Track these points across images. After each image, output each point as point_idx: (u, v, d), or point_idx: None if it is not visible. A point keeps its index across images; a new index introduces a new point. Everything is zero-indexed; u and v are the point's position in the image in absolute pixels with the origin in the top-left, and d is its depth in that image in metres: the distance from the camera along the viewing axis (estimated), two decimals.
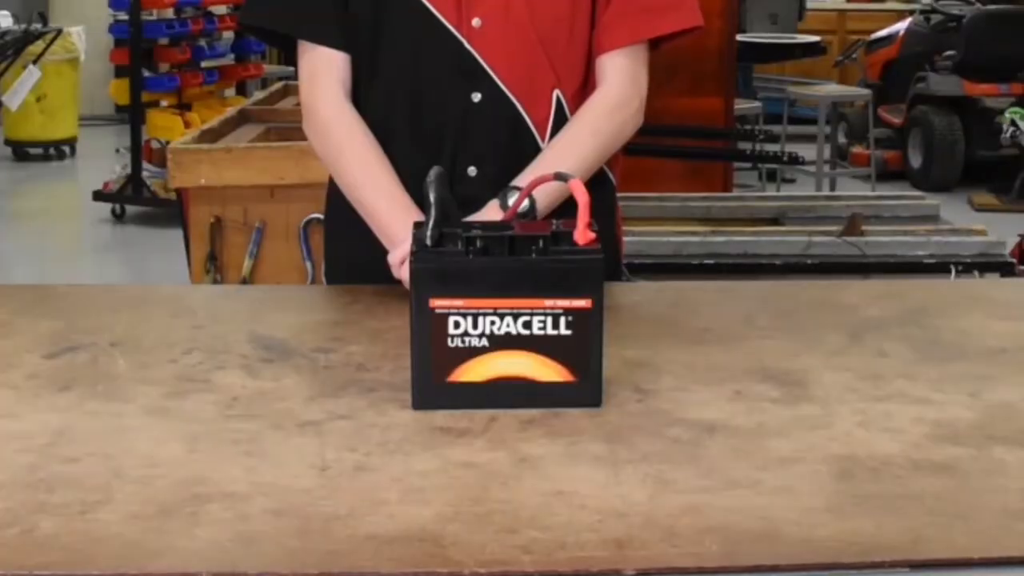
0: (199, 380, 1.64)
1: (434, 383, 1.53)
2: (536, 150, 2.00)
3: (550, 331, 1.53)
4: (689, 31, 2.04)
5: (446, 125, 2.00)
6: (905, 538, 1.23)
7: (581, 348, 1.54)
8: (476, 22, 1.98)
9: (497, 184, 1.96)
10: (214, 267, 3.71)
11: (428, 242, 1.55)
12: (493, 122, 2.00)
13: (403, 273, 1.87)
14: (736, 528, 1.25)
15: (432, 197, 1.57)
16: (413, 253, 1.55)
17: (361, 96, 2.05)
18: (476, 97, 1.99)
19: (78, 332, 1.82)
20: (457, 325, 1.52)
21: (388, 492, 1.32)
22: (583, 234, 1.54)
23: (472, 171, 2.00)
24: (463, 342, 1.53)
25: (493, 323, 1.52)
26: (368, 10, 2.01)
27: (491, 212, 1.91)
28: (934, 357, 1.75)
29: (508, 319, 1.52)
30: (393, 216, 1.95)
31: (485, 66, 1.98)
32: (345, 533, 1.23)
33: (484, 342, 1.53)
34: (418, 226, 1.59)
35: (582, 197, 1.53)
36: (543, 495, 1.31)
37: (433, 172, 1.59)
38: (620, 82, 2.02)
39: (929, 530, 1.25)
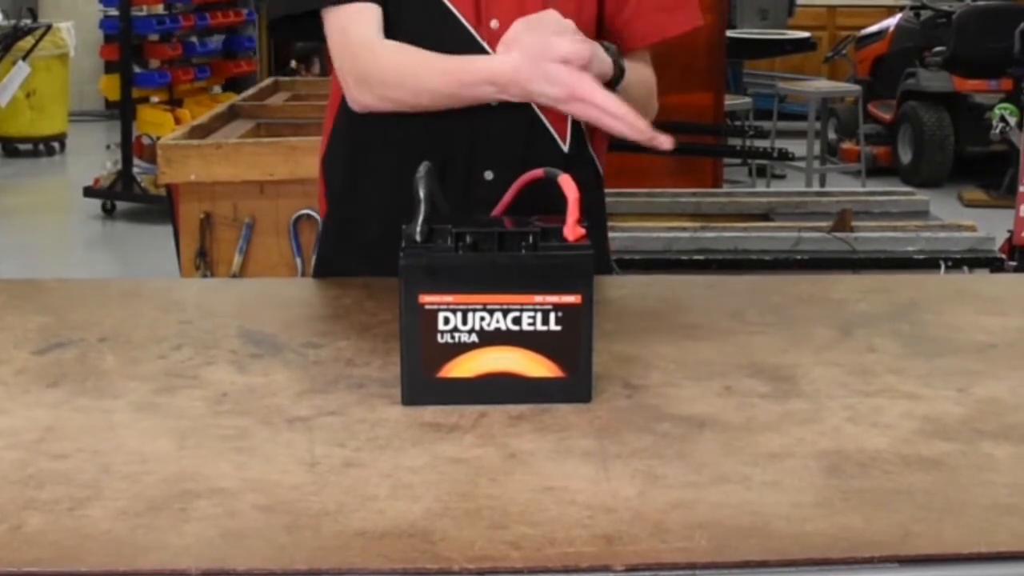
0: (188, 376, 1.64)
1: (423, 379, 1.53)
2: (555, 152, 1.98)
3: (540, 327, 1.52)
4: (690, 31, 2.06)
5: (463, 128, 1.97)
6: (894, 533, 1.23)
7: (571, 344, 1.53)
8: (494, 24, 1.95)
9: None
10: (204, 263, 3.71)
11: (417, 238, 1.55)
12: (511, 125, 1.98)
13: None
14: (725, 523, 1.25)
15: (421, 193, 1.57)
16: (402, 249, 1.54)
17: None
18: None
19: (67, 327, 1.82)
20: (447, 321, 1.52)
21: (377, 488, 1.32)
22: (573, 230, 1.54)
23: (489, 175, 1.99)
24: (452, 338, 1.52)
25: (483, 319, 1.52)
26: (389, 8, 1.97)
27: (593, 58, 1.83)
28: (923, 352, 1.75)
29: (498, 315, 1.52)
30: (476, 60, 1.88)
31: None
32: (334, 529, 1.23)
33: (474, 338, 1.52)
34: (407, 222, 1.58)
35: (572, 193, 1.53)
36: (532, 491, 1.31)
37: (422, 168, 1.59)
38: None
39: (918, 525, 1.25)
